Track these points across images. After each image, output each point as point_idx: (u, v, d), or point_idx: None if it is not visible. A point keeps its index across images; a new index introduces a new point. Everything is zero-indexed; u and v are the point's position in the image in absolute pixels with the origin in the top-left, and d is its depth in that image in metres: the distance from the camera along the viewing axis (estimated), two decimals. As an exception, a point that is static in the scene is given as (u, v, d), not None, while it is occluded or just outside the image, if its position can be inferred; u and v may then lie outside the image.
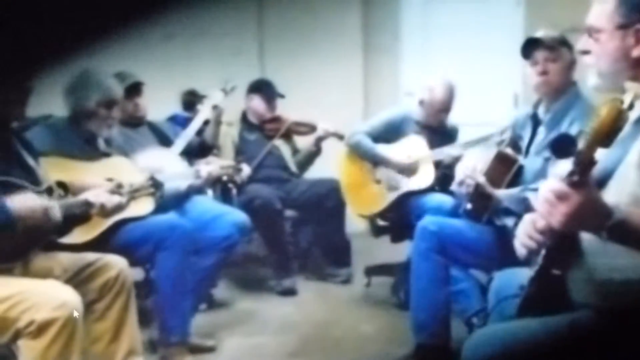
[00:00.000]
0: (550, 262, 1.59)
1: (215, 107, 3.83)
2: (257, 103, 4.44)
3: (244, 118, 4.50)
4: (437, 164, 3.68)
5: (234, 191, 3.98)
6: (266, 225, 4.03)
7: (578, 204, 1.30)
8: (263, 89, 4.46)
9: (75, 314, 2.00)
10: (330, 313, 3.79)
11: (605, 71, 1.63)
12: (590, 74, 1.67)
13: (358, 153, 3.95)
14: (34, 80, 2.29)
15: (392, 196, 3.81)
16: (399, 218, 3.83)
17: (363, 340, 3.36)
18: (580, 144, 1.30)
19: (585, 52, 1.67)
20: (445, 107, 3.80)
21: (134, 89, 3.47)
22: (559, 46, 2.68)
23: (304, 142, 4.59)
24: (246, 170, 3.71)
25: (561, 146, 1.32)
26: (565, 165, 1.38)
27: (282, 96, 4.50)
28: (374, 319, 3.64)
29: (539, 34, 2.71)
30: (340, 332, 3.47)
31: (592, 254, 1.52)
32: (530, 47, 2.72)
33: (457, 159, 3.49)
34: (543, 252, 1.60)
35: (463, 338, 2.83)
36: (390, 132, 3.91)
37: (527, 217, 1.63)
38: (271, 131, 4.45)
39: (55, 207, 2.17)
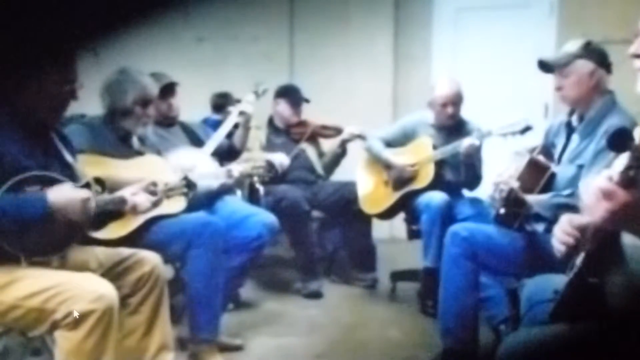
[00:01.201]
0: (588, 267, 1.58)
1: (242, 113, 3.83)
2: (283, 108, 4.48)
3: (271, 122, 4.54)
4: (439, 163, 3.78)
5: (262, 192, 4.02)
6: (293, 226, 4.05)
7: (623, 202, 1.31)
8: (289, 94, 4.50)
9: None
10: (356, 316, 3.80)
11: None
12: None
13: (370, 155, 4.12)
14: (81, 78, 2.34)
15: (395, 196, 3.94)
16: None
17: (389, 344, 3.36)
18: (638, 139, 1.29)
19: (639, 56, 1.66)
20: (449, 100, 3.84)
21: (168, 89, 3.50)
22: (574, 60, 2.65)
23: (329, 145, 4.61)
24: (284, 159, 3.78)
25: (618, 140, 1.32)
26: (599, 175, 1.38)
27: (307, 101, 4.53)
28: (400, 323, 3.64)
29: (556, 52, 2.72)
30: (367, 336, 3.48)
31: (632, 260, 1.52)
32: (544, 64, 2.74)
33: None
34: (582, 255, 1.60)
35: (490, 344, 2.86)
36: (407, 137, 4.02)
37: (564, 217, 1.64)
38: (297, 135, 4.49)
39: (91, 198, 2.21)
